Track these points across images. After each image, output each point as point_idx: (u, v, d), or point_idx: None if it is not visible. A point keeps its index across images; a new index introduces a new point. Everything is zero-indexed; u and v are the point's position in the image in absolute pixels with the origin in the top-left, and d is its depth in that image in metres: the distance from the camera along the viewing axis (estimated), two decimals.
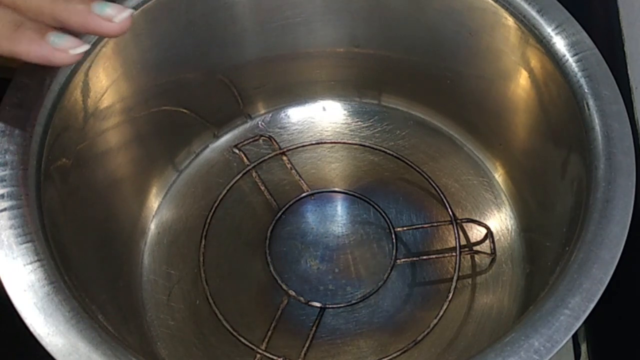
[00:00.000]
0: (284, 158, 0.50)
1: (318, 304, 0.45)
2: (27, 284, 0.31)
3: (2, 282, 0.31)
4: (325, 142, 0.52)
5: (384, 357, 0.43)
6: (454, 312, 0.45)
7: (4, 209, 0.32)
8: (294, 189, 0.49)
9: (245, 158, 0.50)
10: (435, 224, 0.48)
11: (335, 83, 0.52)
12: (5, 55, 0.26)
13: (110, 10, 0.26)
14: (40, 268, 0.31)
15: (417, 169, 0.50)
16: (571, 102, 0.36)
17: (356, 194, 0.49)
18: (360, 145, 0.51)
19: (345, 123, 0.53)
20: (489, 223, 0.48)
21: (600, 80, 0.36)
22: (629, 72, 0.43)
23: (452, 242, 0.47)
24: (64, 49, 0.26)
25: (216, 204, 0.49)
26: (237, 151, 0.51)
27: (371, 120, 0.53)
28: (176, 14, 0.42)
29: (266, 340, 0.44)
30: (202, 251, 0.47)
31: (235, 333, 0.44)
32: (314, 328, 0.44)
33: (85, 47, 0.26)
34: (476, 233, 0.48)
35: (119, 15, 0.26)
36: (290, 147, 0.51)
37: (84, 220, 0.40)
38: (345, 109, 0.53)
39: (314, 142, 0.52)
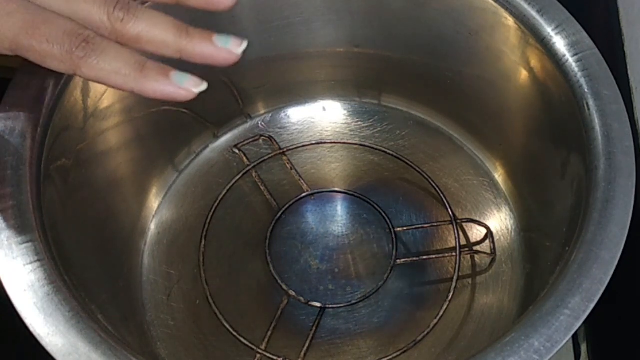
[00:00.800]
0: (284, 158, 0.50)
1: (318, 304, 0.45)
2: (27, 283, 0.31)
3: (2, 282, 0.31)
4: (325, 142, 0.52)
5: (384, 357, 0.43)
6: (454, 312, 0.45)
7: (4, 209, 0.32)
8: (294, 189, 0.49)
9: (245, 158, 0.50)
10: (435, 224, 0.48)
11: (335, 83, 0.52)
12: (130, 92, 0.27)
13: (230, 43, 0.28)
14: (40, 268, 0.31)
15: (417, 169, 0.50)
16: (571, 102, 0.36)
17: (356, 194, 0.49)
18: (360, 145, 0.51)
19: (345, 123, 0.53)
20: (489, 223, 0.48)
21: (600, 80, 0.36)
22: (629, 72, 0.43)
23: (452, 242, 0.47)
24: (187, 89, 0.27)
25: (216, 204, 0.49)
26: (237, 151, 0.51)
27: (371, 120, 0.53)
28: (176, 14, 0.41)
29: (266, 340, 0.44)
30: (202, 251, 0.47)
31: (235, 333, 0.44)
32: (314, 328, 0.44)
33: (205, 86, 0.28)
34: (476, 233, 0.48)
35: (239, 48, 0.28)
36: (290, 147, 0.51)
37: (84, 220, 0.40)
38: (345, 109, 0.53)
39: (314, 142, 0.52)
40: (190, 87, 0.28)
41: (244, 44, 0.28)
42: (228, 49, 0.28)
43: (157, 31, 0.28)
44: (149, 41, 0.28)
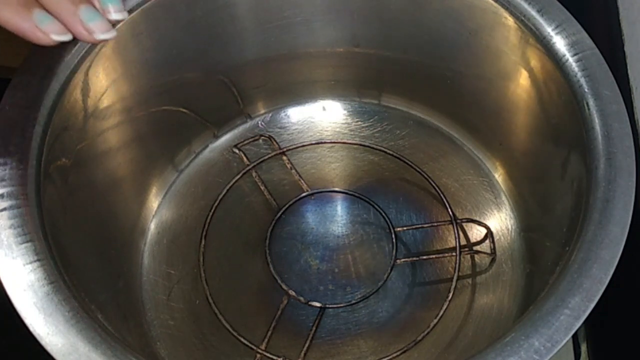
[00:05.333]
0: (284, 158, 0.50)
1: (318, 304, 0.45)
2: (26, 283, 0.31)
3: (2, 281, 0.31)
4: (325, 142, 0.52)
5: (384, 357, 0.43)
6: (454, 312, 0.45)
7: (4, 209, 0.32)
8: (294, 188, 0.49)
9: (245, 158, 0.50)
10: (435, 224, 0.48)
11: (335, 83, 0.52)
12: None
13: (95, 24, 0.26)
14: (40, 268, 0.31)
15: (417, 169, 0.50)
16: (571, 102, 0.36)
17: (356, 194, 0.49)
18: (360, 145, 0.51)
19: (345, 123, 0.53)
20: (489, 223, 0.48)
21: (600, 80, 0.36)
22: (629, 72, 0.43)
23: (452, 242, 0.47)
24: (46, 32, 0.25)
25: (216, 204, 0.49)
26: (237, 151, 0.51)
27: (371, 120, 0.53)
28: (176, 13, 0.42)
29: (266, 340, 0.44)
30: (202, 251, 0.47)
31: (235, 333, 0.44)
32: (314, 328, 0.44)
33: (67, 37, 0.26)
34: (476, 233, 0.48)
35: (101, 35, 0.26)
36: (290, 147, 0.51)
37: (84, 220, 0.40)
38: (345, 109, 0.53)
39: (314, 142, 0.52)
40: (50, 31, 0.25)
41: (109, 34, 0.26)
42: (88, 26, 0.26)
43: None
44: None
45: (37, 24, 0.25)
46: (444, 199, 0.48)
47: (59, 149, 0.37)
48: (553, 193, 0.42)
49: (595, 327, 0.46)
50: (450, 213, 0.47)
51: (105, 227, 0.44)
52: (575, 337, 0.47)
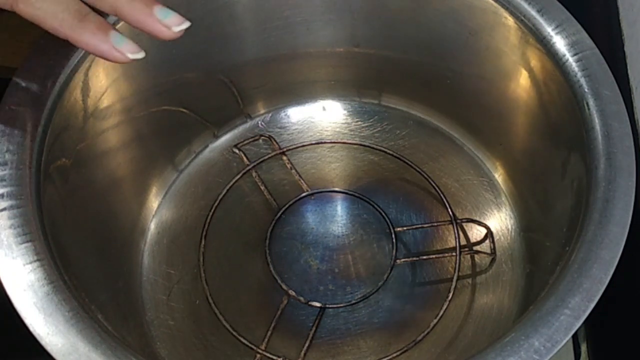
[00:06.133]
0: (284, 158, 0.50)
1: (318, 304, 0.45)
2: (26, 283, 0.31)
3: (2, 282, 0.31)
4: (325, 142, 0.52)
5: (384, 357, 0.43)
6: (454, 312, 0.45)
7: (4, 209, 0.32)
8: (294, 188, 0.49)
9: (245, 158, 0.50)
10: (435, 224, 0.48)
11: (335, 83, 0.52)
12: (63, 38, 0.27)
13: (171, 18, 0.27)
14: (40, 268, 0.31)
15: (417, 169, 0.50)
16: (571, 102, 0.36)
17: (356, 194, 0.49)
18: (360, 145, 0.51)
19: (345, 123, 0.53)
20: (489, 223, 0.48)
21: (600, 80, 0.36)
22: (629, 72, 0.43)
23: (452, 242, 0.47)
24: (122, 51, 0.27)
25: (216, 204, 0.49)
26: (237, 151, 0.51)
27: (371, 120, 0.53)
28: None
29: (266, 340, 0.44)
30: (202, 251, 0.47)
31: (235, 333, 0.44)
32: (313, 328, 0.44)
33: (141, 55, 0.28)
34: (476, 233, 0.48)
35: (177, 26, 0.28)
36: (290, 147, 0.51)
37: (84, 220, 0.40)
38: (345, 109, 0.53)
39: (313, 142, 0.52)
40: (126, 51, 0.27)
41: (184, 25, 0.28)
42: (165, 22, 0.27)
43: None
44: None
45: (114, 45, 0.27)
46: (444, 199, 0.48)
47: (59, 149, 0.37)
48: (553, 193, 0.42)
49: (595, 327, 0.46)
50: (450, 213, 0.47)
51: (105, 227, 0.44)
52: (575, 337, 0.47)
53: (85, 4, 0.27)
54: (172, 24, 0.27)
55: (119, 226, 0.46)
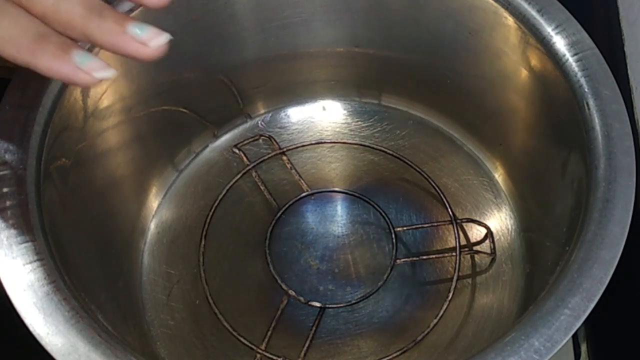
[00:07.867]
0: (284, 158, 0.50)
1: (318, 304, 0.45)
2: (26, 283, 0.31)
3: (2, 281, 0.31)
4: (325, 142, 0.52)
5: (384, 357, 0.43)
6: (454, 312, 0.45)
7: (4, 209, 0.32)
8: (294, 188, 0.49)
9: (245, 158, 0.50)
10: (435, 224, 0.48)
11: (335, 83, 0.52)
12: (24, 66, 0.24)
13: (146, 33, 0.24)
14: (40, 268, 0.31)
15: (417, 169, 0.50)
16: (571, 102, 0.36)
17: (356, 194, 0.49)
18: (360, 145, 0.51)
19: (345, 123, 0.53)
20: (489, 223, 0.48)
21: (600, 80, 0.36)
22: (629, 72, 0.43)
23: (452, 242, 0.47)
24: (87, 71, 0.24)
25: (216, 204, 0.49)
26: (237, 151, 0.51)
27: (371, 120, 0.53)
28: (176, 13, 0.42)
29: (266, 340, 0.44)
30: (202, 251, 0.47)
31: (235, 333, 0.44)
32: (313, 328, 0.44)
33: (111, 72, 0.25)
34: (476, 233, 0.48)
35: (155, 40, 0.25)
36: (290, 147, 0.51)
37: (84, 220, 0.40)
38: (345, 109, 0.53)
39: (313, 142, 0.52)
40: (92, 70, 0.24)
41: (162, 38, 0.25)
42: (141, 39, 0.24)
43: (63, 9, 0.24)
44: (55, 20, 0.24)
45: (78, 65, 0.24)
46: (444, 199, 0.48)
47: (59, 149, 0.37)
48: (553, 193, 0.42)
49: (595, 327, 0.46)
50: (450, 213, 0.47)
51: (105, 226, 0.44)
52: (575, 337, 0.47)
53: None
54: (149, 40, 0.24)
55: (119, 226, 0.46)
